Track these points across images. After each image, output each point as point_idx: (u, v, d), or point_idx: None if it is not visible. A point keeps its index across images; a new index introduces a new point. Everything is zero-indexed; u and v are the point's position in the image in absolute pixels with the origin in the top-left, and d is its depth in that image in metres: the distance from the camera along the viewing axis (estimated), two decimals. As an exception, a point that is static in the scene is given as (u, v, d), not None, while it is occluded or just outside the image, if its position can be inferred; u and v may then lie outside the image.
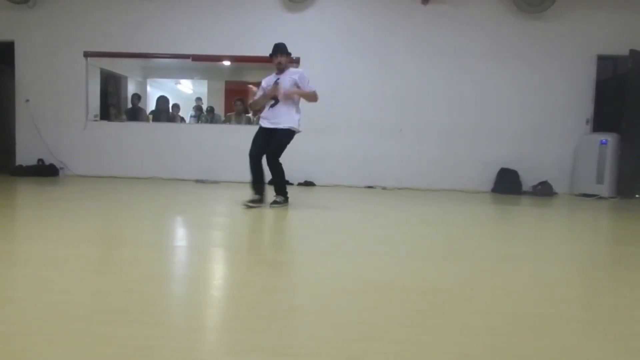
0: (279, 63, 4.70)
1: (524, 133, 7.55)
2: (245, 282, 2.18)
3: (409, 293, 2.05)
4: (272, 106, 4.72)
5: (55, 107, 7.80)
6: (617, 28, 7.36)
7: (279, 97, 4.67)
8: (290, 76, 4.72)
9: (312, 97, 4.79)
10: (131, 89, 10.31)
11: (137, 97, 9.01)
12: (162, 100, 9.43)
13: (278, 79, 4.72)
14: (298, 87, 4.71)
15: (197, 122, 9.36)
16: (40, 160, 7.70)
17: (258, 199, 4.66)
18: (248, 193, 5.91)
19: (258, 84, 11.89)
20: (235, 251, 2.92)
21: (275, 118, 4.70)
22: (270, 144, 4.67)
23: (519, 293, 2.12)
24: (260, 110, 5.04)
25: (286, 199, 4.82)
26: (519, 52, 7.51)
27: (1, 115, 8.10)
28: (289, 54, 4.78)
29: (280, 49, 4.74)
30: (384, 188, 7.44)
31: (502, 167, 7.46)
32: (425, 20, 7.56)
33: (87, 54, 7.78)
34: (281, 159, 4.71)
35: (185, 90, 12.99)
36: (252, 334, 1.53)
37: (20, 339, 1.44)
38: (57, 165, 7.72)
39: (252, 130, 8.04)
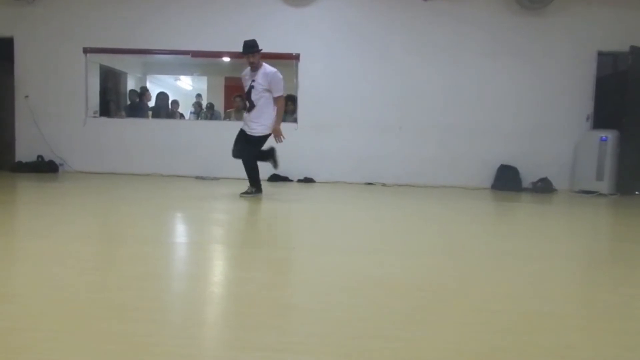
0: (251, 63, 4.83)
1: (523, 130, 7.54)
2: (245, 278, 2.19)
3: (408, 290, 2.05)
4: (248, 110, 4.97)
5: (54, 103, 7.78)
6: (617, 24, 7.34)
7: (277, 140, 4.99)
8: (264, 77, 4.82)
9: (281, 111, 5.00)
10: (131, 85, 10.29)
11: (134, 94, 8.99)
12: (161, 97, 9.42)
13: (253, 81, 4.87)
14: (270, 88, 4.88)
15: (197, 118, 9.35)
16: (39, 156, 7.69)
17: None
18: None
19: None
20: (234, 248, 2.93)
21: (250, 123, 4.96)
22: (246, 146, 5.00)
23: (518, 290, 2.12)
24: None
25: (259, 190, 5.16)
26: (519, 49, 7.49)
27: (1, 111, 8.08)
28: (258, 51, 4.84)
29: (249, 48, 4.80)
30: (383, 185, 7.44)
31: (502, 164, 7.45)
32: (425, 17, 7.53)
33: (86, 50, 7.76)
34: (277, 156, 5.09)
35: (184, 87, 12.98)
36: (251, 331, 1.53)
37: (20, 335, 1.44)
38: (57, 162, 7.71)
39: (252, 126, 8.12)
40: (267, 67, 4.87)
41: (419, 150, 7.62)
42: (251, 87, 4.87)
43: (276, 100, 4.89)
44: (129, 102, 9.09)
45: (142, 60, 10.44)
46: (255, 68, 4.84)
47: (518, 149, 7.51)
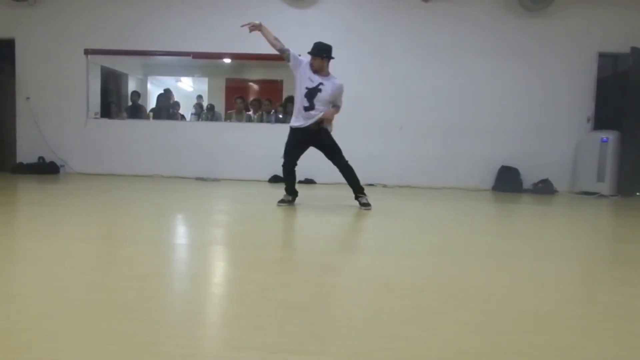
0: (311, 65, 4.50)
1: (524, 131, 7.54)
2: (246, 279, 2.18)
3: (410, 290, 2.05)
4: (306, 109, 4.50)
5: (55, 104, 7.80)
6: (618, 25, 7.34)
7: (325, 124, 4.52)
8: (332, 87, 4.49)
9: (337, 113, 4.68)
10: (132, 86, 10.30)
11: (136, 95, 9.01)
12: (162, 98, 9.43)
13: (321, 84, 4.48)
14: (334, 100, 4.58)
15: (198, 119, 9.36)
16: (40, 157, 7.70)
17: (290, 200, 4.77)
18: (248, 190, 5.93)
19: (258, 82, 11.76)
20: (235, 248, 2.92)
21: (313, 119, 4.52)
22: (328, 152, 4.61)
23: (520, 290, 2.12)
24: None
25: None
26: (519, 50, 7.50)
27: (2, 112, 8.10)
28: (323, 57, 4.50)
29: (320, 52, 4.49)
30: (384, 186, 7.43)
31: (503, 165, 7.45)
32: (426, 18, 7.54)
33: (87, 52, 7.77)
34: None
35: (185, 88, 12.98)
36: (252, 331, 1.53)
37: (21, 335, 1.44)
38: (58, 163, 7.72)
39: (253, 127, 8.16)
40: (336, 79, 4.57)
41: (419, 151, 7.63)
42: (318, 89, 4.46)
43: (337, 107, 4.64)
44: (130, 104, 9.11)
45: (143, 62, 10.45)
46: (321, 73, 4.51)
47: (519, 150, 7.51)
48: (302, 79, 4.52)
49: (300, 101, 4.52)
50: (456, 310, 1.80)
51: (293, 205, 4.72)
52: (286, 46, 4.54)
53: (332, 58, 4.60)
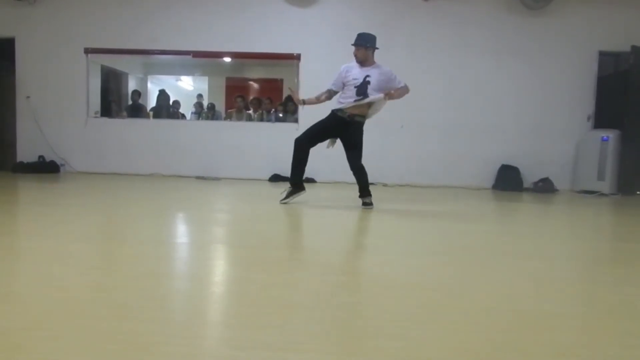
0: (355, 55, 4.47)
1: (525, 130, 7.54)
2: (246, 278, 2.18)
3: (409, 289, 2.05)
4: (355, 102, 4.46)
5: (56, 103, 7.80)
6: (618, 24, 7.34)
7: (386, 98, 4.43)
8: (379, 73, 4.45)
9: (404, 93, 4.57)
10: (132, 85, 10.31)
11: (137, 94, 9.01)
12: (162, 97, 9.43)
13: (368, 76, 4.42)
14: (390, 86, 4.48)
15: (198, 118, 9.36)
16: (41, 157, 7.70)
17: (294, 193, 4.70)
18: (248, 189, 5.92)
19: (258, 80, 11.75)
20: (235, 247, 2.92)
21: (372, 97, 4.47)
22: (349, 148, 4.58)
23: (520, 289, 2.12)
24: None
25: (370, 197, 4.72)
26: (519, 49, 7.49)
27: (2, 112, 8.10)
28: (367, 47, 4.41)
29: (361, 41, 4.41)
30: (385, 185, 7.43)
31: (503, 164, 7.45)
32: (426, 17, 7.54)
33: (87, 51, 7.77)
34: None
35: (186, 87, 12.99)
36: (253, 330, 1.53)
37: (21, 335, 1.44)
38: (58, 162, 7.72)
39: (253, 126, 8.16)
40: (383, 67, 4.51)
41: (420, 150, 7.62)
42: (366, 82, 4.40)
43: (402, 87, 4.54)
44: (130, 103, 9.11)
45: (143, 61, 10.45)
46: (364, 64, 4.44)
47: (519, 148, 7.51)
48: (348, 82, 4.50)
49: (352, 98, 4.47)
50: (457, 309, 1.80)
51: (297, 201, 4.70)
52: (326, 89, 4.62)
53: (377, 48, 4.53)
